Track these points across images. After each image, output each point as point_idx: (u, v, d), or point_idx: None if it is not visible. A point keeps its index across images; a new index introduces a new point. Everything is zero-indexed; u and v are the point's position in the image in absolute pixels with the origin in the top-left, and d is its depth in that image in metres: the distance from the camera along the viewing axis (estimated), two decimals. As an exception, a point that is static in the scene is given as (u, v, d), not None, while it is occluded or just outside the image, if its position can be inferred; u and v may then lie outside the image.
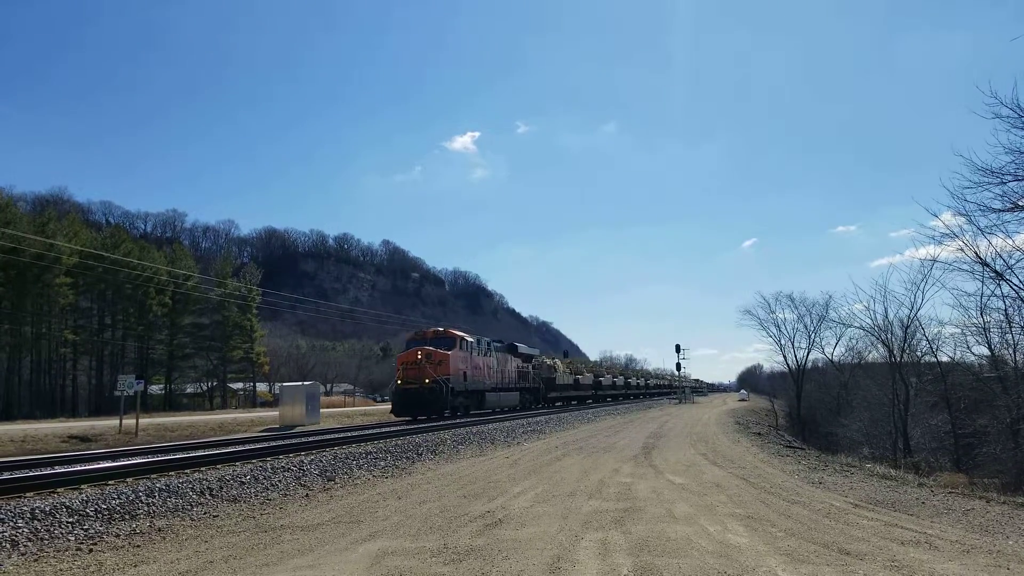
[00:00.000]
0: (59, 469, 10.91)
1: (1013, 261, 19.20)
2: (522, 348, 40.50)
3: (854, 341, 51.02)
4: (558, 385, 45.25)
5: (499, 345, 35.66)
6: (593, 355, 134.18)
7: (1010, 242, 18.74)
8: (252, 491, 10.44)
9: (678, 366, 78.31)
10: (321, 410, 31.29)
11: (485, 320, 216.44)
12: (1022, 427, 23.19)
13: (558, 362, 47.94)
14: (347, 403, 67.16)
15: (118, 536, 7.58)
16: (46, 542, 7.19)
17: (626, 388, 74.74)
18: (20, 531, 7.31)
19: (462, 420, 29.45)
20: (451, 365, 26.88)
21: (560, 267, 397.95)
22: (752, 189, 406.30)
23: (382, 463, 14.09)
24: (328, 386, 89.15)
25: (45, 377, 59.68)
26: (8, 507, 7.98)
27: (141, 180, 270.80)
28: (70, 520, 7.90)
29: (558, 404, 45.98)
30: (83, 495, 9.03)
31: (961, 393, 30.75)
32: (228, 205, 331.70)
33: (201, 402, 70.25)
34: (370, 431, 20.76)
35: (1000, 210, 16.41)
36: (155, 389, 65.60)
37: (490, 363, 32.07)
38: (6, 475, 10.13)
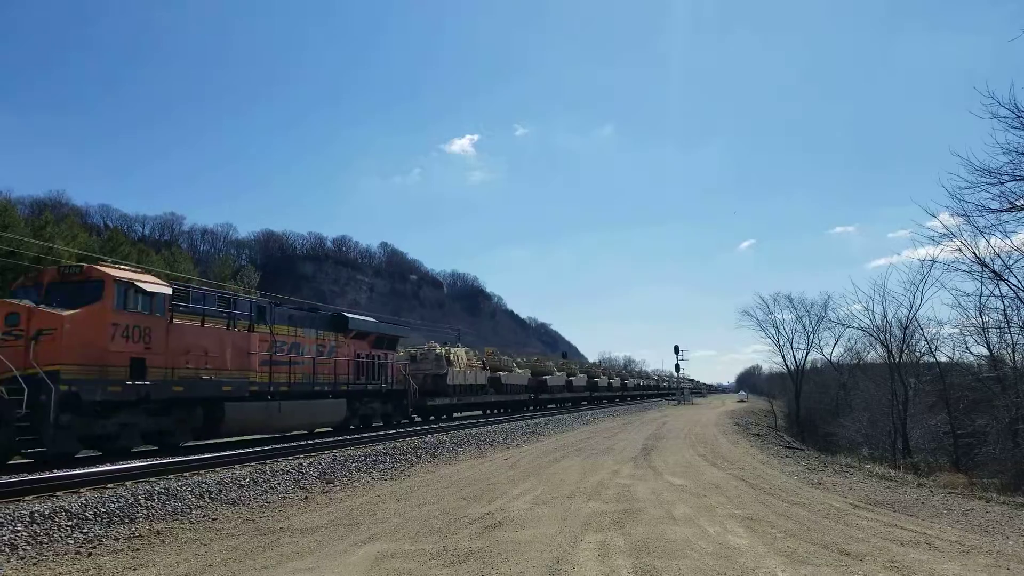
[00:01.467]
0: (58, 472, 10.88)
1: (1011, 261, 19.19)
2: (361, 322, 23.77)
3: (853, 342, 51.07)
4: (453, 387, 30.40)
5: (298, 312, 20.35)
6: (592, 356, 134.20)
7: (1008, 242, 18.74)
8: (251, 494, 10.43)
9: (677, 367, 78.57)
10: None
11: (483, 321, 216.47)
12: (1021, 427, 23.21)
13: (459, 352, 33.48)
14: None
15: (117, 539, 7.57)
16: (45, 545, 7.18)
17: (591, 390, 55.83)
18: (19, 535, 7.29)
19: (457, 422, 27.67)
20: (75, 341, 12.57)
21: (559, 269, 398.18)
22: (750, 190, 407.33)
23: (381, 465, 14.09)
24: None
25: (43, 380, 59.55)
26: (7, 510, 7.96)
27: (139, 183, 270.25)
28: (69, 524, 7.89)
29: (460, 416, 31.46)
30: (82, 499, 9.01)
31: (960, 393, 30.77)
32: (226, 208, 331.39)
33: (200, 405, 69.93)
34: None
35: (998, 210, 16.39)
36: (154, 392, 65.29)
37: (254, 344, 16.92)
38: (5, 479, 10.10)
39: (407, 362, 28.13)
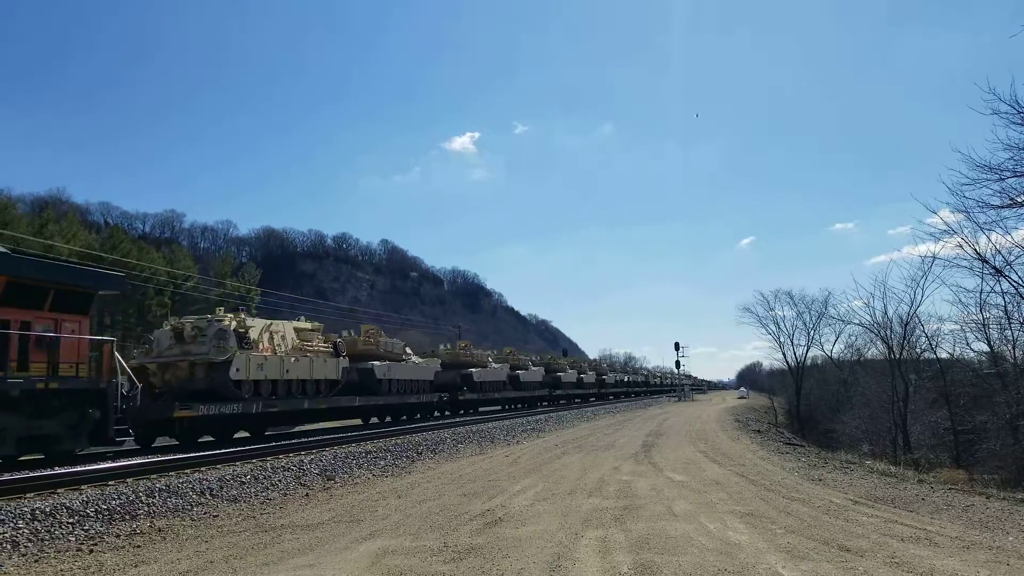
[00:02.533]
0: (59, 470, 10.90)
1: (1012, 257, 19.26)
2: None
3: (853, 338, 51.08)
4: (251, 384, 17.49)
5: None
6: (593, 353, 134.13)
7: (1009, 238, 18.82)
8: (252, 491, 10.45)
9: (677, 363, 78.60)
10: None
11: (484, 318, 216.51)
12: (1021, 423, 23.24)
13: (275, 328, 19.74)
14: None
15: (118, 536, 7.59)
16: (46, 543, 7.19)
17: (552, 387, 45.54)
18: (21, 532, 7.31)
19: (462, 418, 28.01)
20: None
21: (559, 266, 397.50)
22: (749, 187, 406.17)
23: (382, 462, 14.12)
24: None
25: (44, 378, 59.59)
26: (9, 508, 7.98)
27: (139, 181, 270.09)
28: (70, 521, 7.91)
29: (296, 435, 19.46)
30: (83, 496, 9.03)
31: (960, 389, 30.78)
32: (226, 205, 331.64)
33: (201, 402, 69.92)
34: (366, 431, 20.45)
35: (999, 206, 16.46)
36: (154, 389, 65.26)
37: None
38: (6, 476, 10.12)
39: (170, 343, 17.01)
